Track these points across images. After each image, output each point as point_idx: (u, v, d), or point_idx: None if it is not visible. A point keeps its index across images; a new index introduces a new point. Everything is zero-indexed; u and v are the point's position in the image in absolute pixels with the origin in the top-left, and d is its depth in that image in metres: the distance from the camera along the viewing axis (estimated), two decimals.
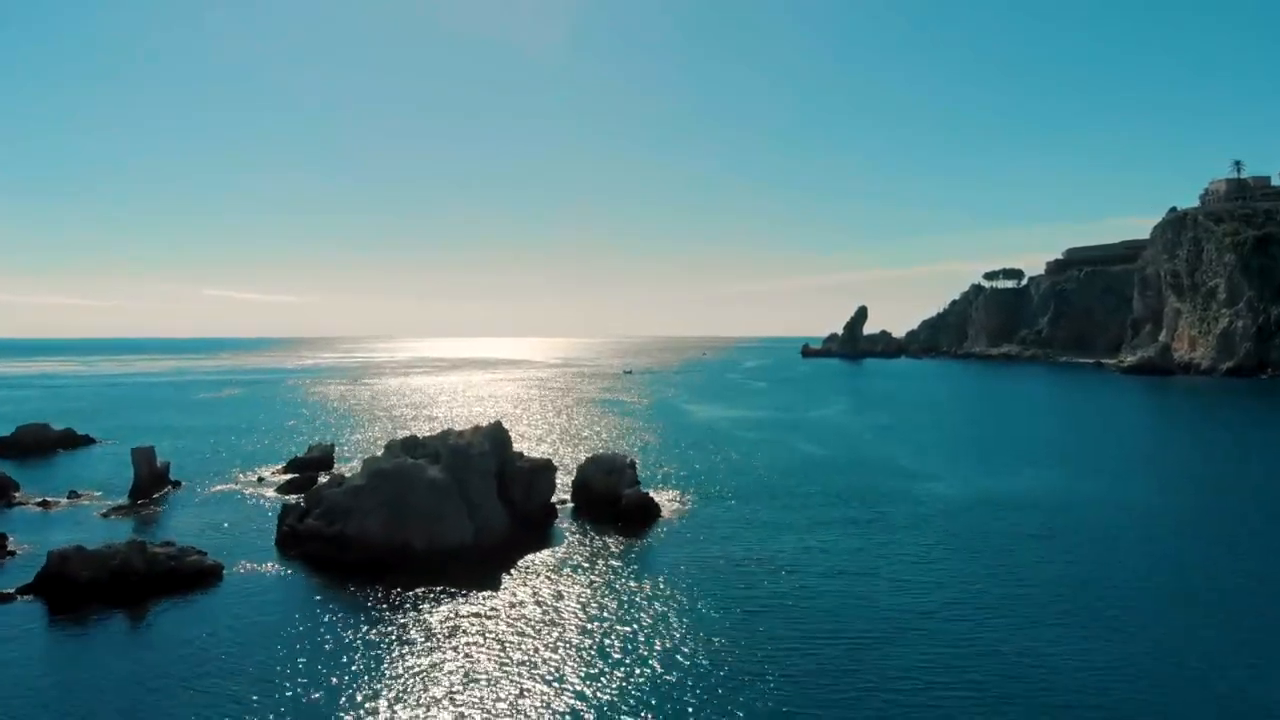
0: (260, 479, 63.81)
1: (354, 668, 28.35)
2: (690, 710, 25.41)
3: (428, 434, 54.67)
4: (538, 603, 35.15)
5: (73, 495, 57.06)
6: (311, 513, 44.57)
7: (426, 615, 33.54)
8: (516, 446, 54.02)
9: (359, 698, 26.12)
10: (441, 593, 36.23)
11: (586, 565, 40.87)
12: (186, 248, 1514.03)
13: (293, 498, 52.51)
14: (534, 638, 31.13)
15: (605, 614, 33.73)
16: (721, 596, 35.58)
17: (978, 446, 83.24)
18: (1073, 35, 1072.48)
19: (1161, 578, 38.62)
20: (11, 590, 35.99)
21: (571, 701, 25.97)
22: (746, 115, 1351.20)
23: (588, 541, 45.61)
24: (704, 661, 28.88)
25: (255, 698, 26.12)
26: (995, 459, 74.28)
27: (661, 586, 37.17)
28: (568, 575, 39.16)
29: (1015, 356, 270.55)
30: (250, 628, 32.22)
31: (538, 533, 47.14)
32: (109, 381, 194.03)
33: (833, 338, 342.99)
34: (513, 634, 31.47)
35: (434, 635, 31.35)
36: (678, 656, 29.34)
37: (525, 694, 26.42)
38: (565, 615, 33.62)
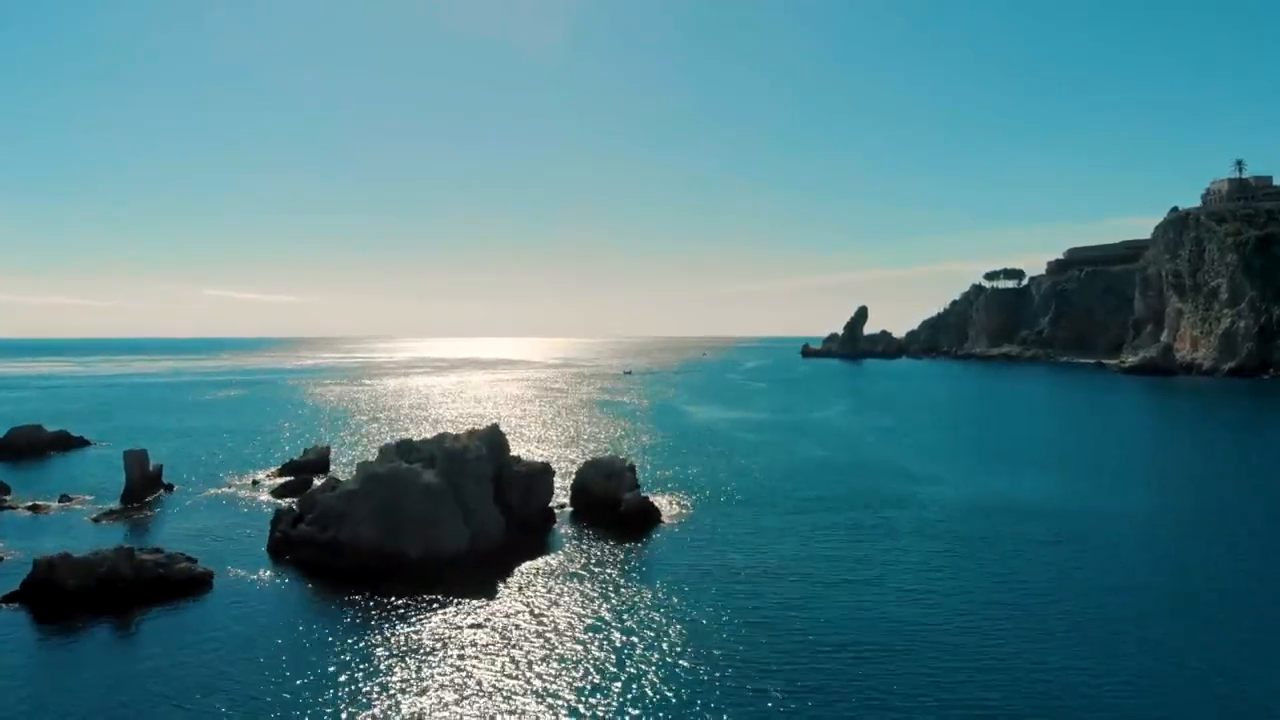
0: (254, 482, 62.98)
1: (343, 681, 27.48)
2: None
3: (425, 437, 53.84)
4: (534, 611, 34.29)
5: (64, 499, 56.20)
6: (304, 518, 43.69)
7: (421, 625, 32.69)
8: (514, 449, 53.23)
9: (349, 713, 25.26)
10: (436, 601, 35.37)
11: (585, 572, 40.02)
12: (186, 248, 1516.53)
13: (286, 502, 51.65)
14: (531, 648, 30.29)
15: (604, 623, 32.88)
16: (723, 606, 34.71)
17: (980, 448, 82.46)
18: (1073, 35, 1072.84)
19: (1163, 580, 37.85)
20: None
21: (568, 714, 25.14)
22: (746, 115, 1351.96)
23: (586, 547, 44.77)
24: (705, 674, 28.02)
25: (239, 715, 25.25)
26: (998, 461, 73.51)
27: (661, 594, 36.34)
28: (566, 582, 38.31)
29: (1016, 357, 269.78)
30: (237, 639, 31.31)
31: (535, 538, 46.28)
32: (106, 382, 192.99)
33: (833, 338, 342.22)
34: (509, 644, 30.62)
35: (428, 645, 30.49)
36: (678, 669, 28.50)
37: (521, 706, 25.57)
38: (562, 624, 32.78)
